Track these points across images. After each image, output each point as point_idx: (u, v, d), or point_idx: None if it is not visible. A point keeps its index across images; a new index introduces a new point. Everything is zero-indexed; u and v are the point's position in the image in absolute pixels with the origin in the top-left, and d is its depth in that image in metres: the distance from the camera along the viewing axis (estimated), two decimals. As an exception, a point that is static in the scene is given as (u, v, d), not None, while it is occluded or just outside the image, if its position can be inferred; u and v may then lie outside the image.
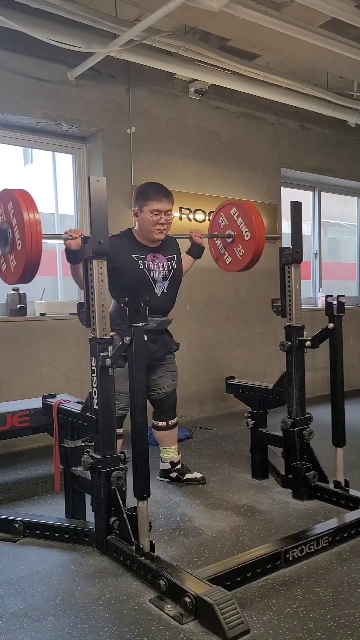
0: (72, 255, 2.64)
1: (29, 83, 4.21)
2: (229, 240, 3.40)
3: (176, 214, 5.05)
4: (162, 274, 3.12)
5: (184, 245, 3.43)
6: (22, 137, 4.47)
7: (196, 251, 3.44)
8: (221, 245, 3.49)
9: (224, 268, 3.53)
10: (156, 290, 3.10)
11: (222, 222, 3.44)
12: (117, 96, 4.67)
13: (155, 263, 3.10)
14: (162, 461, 3.42)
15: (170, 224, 3.08)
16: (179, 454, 3.41)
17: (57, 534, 2.60)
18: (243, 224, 3.29)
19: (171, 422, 3.34)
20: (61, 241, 2.67)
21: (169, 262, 3.16)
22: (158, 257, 3.12)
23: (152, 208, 2.99)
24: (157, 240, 3.09)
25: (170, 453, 3.38)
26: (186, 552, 2.49)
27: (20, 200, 2.32)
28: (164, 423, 3.32)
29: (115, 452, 2.47)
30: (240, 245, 3.33)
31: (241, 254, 3.33)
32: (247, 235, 3.27)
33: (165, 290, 3.14)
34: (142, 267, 3.04)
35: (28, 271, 2.34)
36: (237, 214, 3.34)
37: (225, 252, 3.45)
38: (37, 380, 4.30)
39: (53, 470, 2.97)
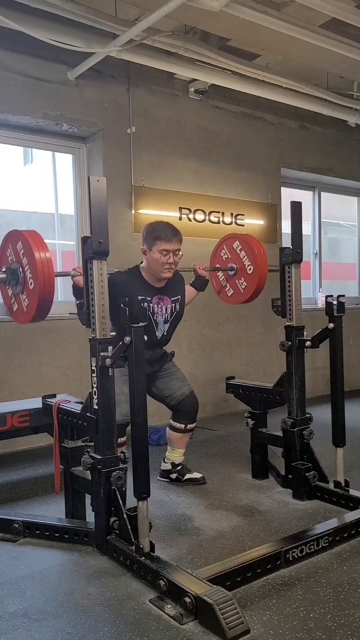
0: (79, 292, 2.66)
1: (29, 83, 4.21)
2: (231, 272, 3.42)
3: (176, 214, 5.06)
4: (164, 316, 3.14)
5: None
6: (22, 137, 4.47)
7: (200, 284, 3.43)
8: (223, 277, 3.52)
9: (226, 300, 3.55)
10: (157, 333, 3.13)
11: (224, 254, 3.48)
12: (117, 96, 4.67)
13: (159, 306, 3.11)
14: (163, 461, 3.43)
15: (178, 263, 3.08)
16: (182, 457, 3.41)
17: (57, 534, 2.60)
18: (246, 257, 3.32)
19: (189, 426, 3.30)
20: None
21: (173, 305, 3.18)
22: (163, 300, 3.13)
23: (160, 248, 2.98)
24: (164, 278, 3.09)
25: (176, 455, 3.38)
26: (186, 552, 2.49)
27: (30, 240, 2.33)
28: (183, 426, 3.28)
29: (115, 452, 2.47)
30: (242, 278, 3.37)
31: (243, 286, 3.36)
32: (250, 269, 3.30)
33: (165, 333, 3.17)
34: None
35: (41, 310, 2.35)
36: (240, 247, 3.37)
37: (227, 285, 3.48)
38: (37, 380, 4.30)
39: (53, 470, 2.97)
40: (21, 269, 2.41)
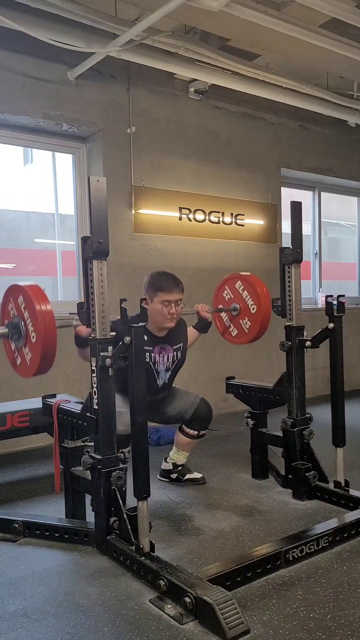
0: (81, 341, 2.66)
1: (29, 83, 4.21)
2: (235, 313, 3.42)
3: (176, 214, 5.06)
4: (165, 365, 3.14)
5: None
6: (22, 137, 4.47)
7: (203, 326, 3.40)
8: (227, 318, 3.50)
9: (231, 340, 3.52)
10: (158, 382, 3.13)
11: (226, 295, 3.47)
12: (117, 96, 4.67)
13: (161, 355, 3.11)
14: (165, 461, 3.43)
15: (180, 313, 3.08)
16: (186, 459, 3.41)
17: (57, 534, 2.60)
18: (249, 297, 3.32)
19: (202, 432, 3.28)
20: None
21: (175, 353, 3.17)
22: (165, 349, 3.13)
23: (162, 299, 2.99)
24: (167, 328, 3.08)
25: (179, 456, 3.37)
26: (186, 552, 2.49)
27: (31, 293, 2.34)
28: (195, 432, 3.26)
29: (115, 452, 2.47)
30: (246, 318, 3.36)
31: (248, 326, 3.35)
32: (254, 309, 3.30)
33: (166, 381, 3.17)
34: (147, 360, 3.01)
35: (44, 363, 2.35)
36: (242, 287, 3.38)
37: (231, 325, 3.46)
38: (37, 380, 4.28)
39: (53, 470, 2.97)
40: (23, 322, 2.42)
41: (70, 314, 3.99)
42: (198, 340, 3.45)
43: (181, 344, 3.22)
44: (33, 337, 2.36)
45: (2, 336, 2.48)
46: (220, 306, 3.49)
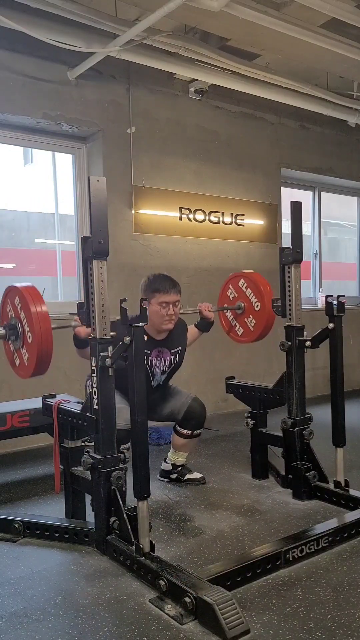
0: (80, 342, 2.67)
1: (29, 83, 4.21)
2: (239, 311, 3.41)
3: (176, 214, 5.06)
4: (162, 368, 3.15)
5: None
6: (22, 137, 4.47)
7: (204, 326, 3.40)
8: (232, 317, 3.50)
9: (237, 340, 3.50)
10: (152, 383, 3.14)
11: (230, 294, 3.47)
12: (117, 96, 4.67)
13: (158, 359, 3.12)
14: (165, 461, 3.42)
15: (178, 314, 3.08)
16: (185, 459, 3.41)
17: (57, 534, 2.60)
18: (252, 294, 3.32)
19: (196, 432, 3.26)
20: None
21: (172, 357, 3.17)
22: (163, 353, 3.13)
23: (160, 300, 2.99)
24: (165, 330, 3.08)
25: (178, 457, 3.37)
26: (186, 552, 2.49)
27: (26, 294, 2.36)
28: (189, 432, 3.24)
29: (115, 452, 2.47)
30: (251, 316, 3.36)
31: (252, 324, 3.35)
32: (257, 306, 3.30)
33: (161, 383, 3.19)
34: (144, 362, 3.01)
35: (41, 363, 2.37)
36: (245, 285, 3.37)
37: (237, 324, 3.46)
38: (37, 380, 4.27)
39: (53, 470, 2.97)
40: (20, 323, 2.44)
41: (70, 313, 3.99)
42: (198, 339, 3.45)
43: (179, 347, 3.21)
44: (29, 337, 2.37)
45: (0, 337, 2.49)
46: (225, 305, 3.48)
